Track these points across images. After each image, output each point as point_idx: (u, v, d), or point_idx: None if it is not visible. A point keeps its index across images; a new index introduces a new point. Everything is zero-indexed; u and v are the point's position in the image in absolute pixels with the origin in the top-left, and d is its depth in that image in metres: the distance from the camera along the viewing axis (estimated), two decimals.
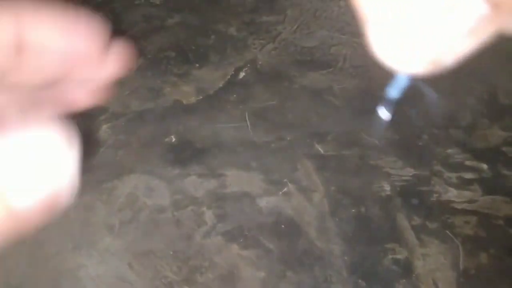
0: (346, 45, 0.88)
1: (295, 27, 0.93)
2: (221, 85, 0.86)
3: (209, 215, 0.71)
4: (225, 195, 0.73)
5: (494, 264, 0.69)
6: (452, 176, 0.75)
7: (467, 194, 0.74)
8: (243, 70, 0.88)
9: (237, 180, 0.75)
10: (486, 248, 0.70)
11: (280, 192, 0.73)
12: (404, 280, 0.68)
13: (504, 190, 0.74)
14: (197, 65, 0.89)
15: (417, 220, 0.71)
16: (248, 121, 0.81)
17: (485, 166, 0.76)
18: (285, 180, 0.74)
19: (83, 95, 0.20)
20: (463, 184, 0.74)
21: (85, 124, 0.82)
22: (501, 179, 0.75)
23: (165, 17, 0.98)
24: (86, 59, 0.18)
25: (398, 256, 0.69)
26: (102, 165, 0.77)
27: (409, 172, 0.75)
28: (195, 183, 0.74)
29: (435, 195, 0.73)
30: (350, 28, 0.90)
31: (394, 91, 0.19)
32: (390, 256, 0.69)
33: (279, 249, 0.69)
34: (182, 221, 0.71)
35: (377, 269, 0.68)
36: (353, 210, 0.72)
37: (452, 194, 0.73)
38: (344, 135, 0.78)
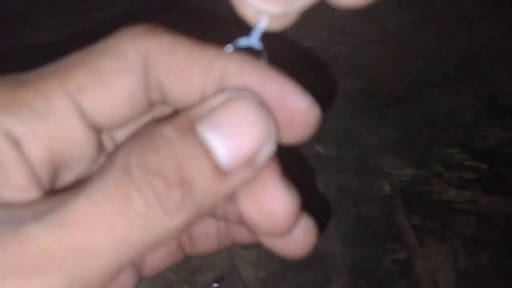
0: (346, 45, 0.88)
1: (294, 27, 0.94)
2: None
3: None
4: None
5: (494, 265, 0.69)
6: (452, 176, 0.75)
7: (467, 194, 0.74)
8: None
9: None
10: (486, 248, 0.70)
11: None
12: (404, 280, 0.68)
13: (504, 190, 0.74)
14: None
15: (417, 220, 0.71)
16: None
17: (485, 166, 0.76)
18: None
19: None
20: (463, 184, 0.74)
21: None
22: (501, 179, 0.75)
23: (164, 18, 0.98)
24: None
25: (398, 256, 0.69)
26: None
27: (409, 172, 0.75)
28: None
29: (435, 195, 0.74)
30: (351, 29, 0.91)
31: (245, 41, 0.21)
32: (390, 256, 0.69)
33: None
34: None
35: (377, 269, 0.68)
36: (353, 210, 0.72)
37: (452, 194, 0.74)
38: (344, 135, 0.78)
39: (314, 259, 0.68)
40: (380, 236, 0.70)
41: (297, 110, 0.23)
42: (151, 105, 0.23)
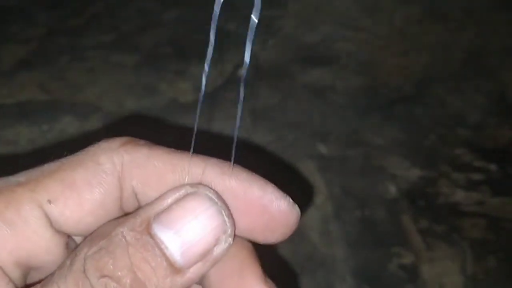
0: (351, 40, 0.88)
1: (296, 22, 0.92)
2: (219, 83, 0.85)
3: None
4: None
5: (503, 269, 0.68)
6: (460, 177, 0.74)
7: (475, 195, 0.73)
8: (242, 67, 0.87)
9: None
10: (495, 252, 0.69)
11: None
12: (410, 285, 0.67)
13: None
14: (195, 61, 0.88)
15: (423, 223, 0.70)
16: (247, 120, 0.80)
17: (494, 166, 0.75)
18: (286, 181, 0.73)
19: None
20: (471, 185, 0.74)
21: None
22: (511, 180, 0.74)
23: (161, 12, 0.97)
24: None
25: (404, 261, 0.68)
26: None
27: (415, 173, 0.74)
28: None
29: (442, 197, 0.73)
30: (355, 23, 0.90)
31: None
32: (396, 261, 0.68)
33: (280, 254, 0.68)
34: None
35: (382, 274, 0.67)
36: (357, 213, 0.71)
37: (459, 195, 0.73)
38: (347, 135, 0.78)
39: (316, 264, 0.67)
40: (385, 240, 0.69)
41: (278, 213, 0.24)
42: (123, 212, 0.25)
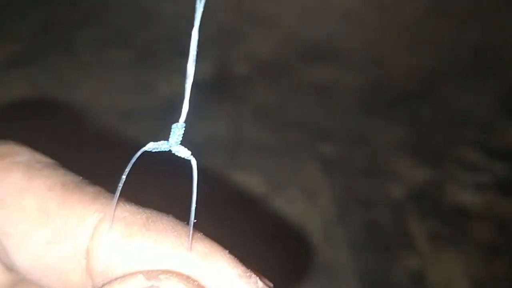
0: (354, 37, 0.88)
1: (299, 17, 0.92)
2: (218, 80, 0.85)
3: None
4: (223, 198, 0.72)
5: (510, 272, 0.68)
6: (467, 178, 0.74)
7: (482, 197, 0.73)
8: (242, 64, 0.87)
9: (235, 182, 0.73)
10: (503, 255, 0.69)
11: (283, 196, 0.72)
12: None
13: None
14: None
15: (430, 226, 0.70)
16: (247, 119, 0.80)
17: (502, 166, 0.75)
18: (288, 183, 0.73)
19: None
20: (479, 186, 0.74)
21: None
22: None
23: (157, 7, 0.97)
24: None
25: (410, 264, 0.68)
26: (93, 166, 0.75)
27: (421, 174, 0.74)
28: (192, 186, 0.72)
29: (448, 199, 0.73)
30: (359, 19, 0.89)
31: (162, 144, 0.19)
32: (402, 264, 0.68)
33: (281, 258, 0.68)
34: None
35: (388, 278, 0.67)
36: (362, 215, 0.71)
37: (467, 197, 0.73)
38: (351, 135, 0.77)
39: (320, 268, 0.67)
40: (391, 243, 0.69)
41: None
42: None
